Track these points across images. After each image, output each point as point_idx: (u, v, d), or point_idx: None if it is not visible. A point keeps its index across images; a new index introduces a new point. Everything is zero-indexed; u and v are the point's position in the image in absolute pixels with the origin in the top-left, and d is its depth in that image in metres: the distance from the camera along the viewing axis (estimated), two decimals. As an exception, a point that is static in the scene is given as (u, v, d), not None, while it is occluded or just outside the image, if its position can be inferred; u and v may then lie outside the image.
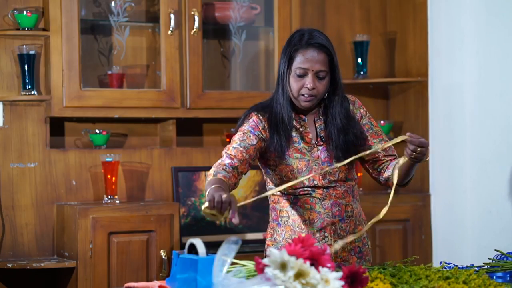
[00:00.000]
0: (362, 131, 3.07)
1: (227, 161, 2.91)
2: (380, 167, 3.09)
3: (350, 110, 3.07)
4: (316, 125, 3.05)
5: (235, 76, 4.94)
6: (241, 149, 2.94)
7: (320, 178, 3.00)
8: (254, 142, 2.97)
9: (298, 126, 3.03)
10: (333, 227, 3.01)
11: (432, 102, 5.04)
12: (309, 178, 2.99)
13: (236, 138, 2.99)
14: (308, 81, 2.94)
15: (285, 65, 2.97)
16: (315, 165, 3.01)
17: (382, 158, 3.08)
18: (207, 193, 2.69)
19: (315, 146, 3.02)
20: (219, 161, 2.93)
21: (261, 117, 3.01)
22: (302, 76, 2.95)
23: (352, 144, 3.01)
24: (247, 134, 2.98)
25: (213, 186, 2.71)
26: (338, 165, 2.88)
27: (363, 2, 5.21)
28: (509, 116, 4.62)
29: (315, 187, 3.01)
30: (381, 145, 2.97)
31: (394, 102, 5.29)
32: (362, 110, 3.10)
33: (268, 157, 3.04)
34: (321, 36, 2.98)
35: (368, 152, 2.91)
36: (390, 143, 2.86)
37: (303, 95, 2.96)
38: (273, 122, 3.00)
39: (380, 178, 3.09)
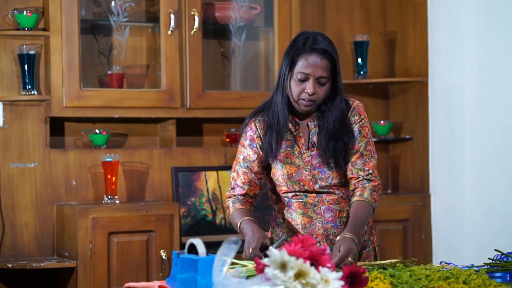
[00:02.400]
0: (353, 138, 2.99)
1: (237, 189, 3.03)
2: (352, 187, 3.02)
3: (347, 116, 3.03)
4: (309, 130, 3.02)
5: (235, 76, 4.94)
6: (245, 169, 3.03)
7: (311, 183, 2.99)
8: (255, 157, 3.02)
9: (292, 130, 3.02)
10: (325, 233, 3.00)
11: (432, 102, 5.04)
12: (299, 183, 2.99)
13: (240, 155, 3.06)
14: (309, 86, 2.91)
15: (287, 68, 2.94)
16: (306, 171, 2.99)
17: (358, 180, 2.99)
18: (244, 230, 2.90)
19: (307, 151, 3.01)
20: (230, 188, 3.05)
21: (258, 124, 3.03)
22: (303, 80, 2.92)
23: (341, 150, 2.97)
24: (247, 150, 3.03)
25: (245, 218, 2.93)
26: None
27: (363, 2, 5.21)
28: (509, 116, 4.62)
29: (306, 191, 3.01)
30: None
31: (394, 102, 5.29)
32: (357, 117, 3.02)
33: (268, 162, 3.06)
34: (325, 41, 2.94)
35: None
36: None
37: (303, 99, 2.93)
38: (268, 124, 3.00)
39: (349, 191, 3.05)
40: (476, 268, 2.61)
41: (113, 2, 4.56)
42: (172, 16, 4.52)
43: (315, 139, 3.00)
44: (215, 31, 4.85)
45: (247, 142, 3.03)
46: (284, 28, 4.76)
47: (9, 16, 4.38)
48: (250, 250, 2.78)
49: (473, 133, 4.78)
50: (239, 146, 3.06)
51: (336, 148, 2.96)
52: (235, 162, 3.06)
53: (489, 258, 2.84)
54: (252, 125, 3.03)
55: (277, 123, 2.98)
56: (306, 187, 2.99)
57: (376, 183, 2.99)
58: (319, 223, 2.99)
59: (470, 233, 4.80)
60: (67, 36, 4.35)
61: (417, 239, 4.99)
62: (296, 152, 3.00)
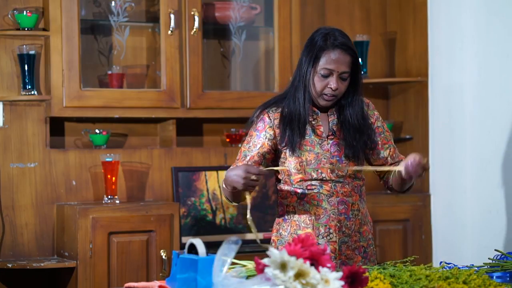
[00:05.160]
0: (375, 133, 3.14)
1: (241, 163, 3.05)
2: (385, 175, 3.19)
3: (365, 111, 3.13)
4: (329, 119, 3.10)
5: (235, 76, 4.94)
6: (251, 154, 3.06)
7: (329, 171, 3.05)
8: (258, 146, 3.06)
9: (310, 119, 3.09)
10: (338, 224, 3.05)
11: (432, 102, 5.04)
12: (317, 170, 3.02)
13: (246, 144, 3.10)
14: (332, 81, 3.01)
15: (309, 64, 3.02)
16: (324, 158, 3.06)
17: (389, 165, 3.15)
18: (230, 179, 2.87)
19: (326, 139, 3.07)
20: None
21: (271, 115, 3.08)
22: (326, 76, 3.01)
23: (364, 144, 3.09)
24: (253, 140, 3.08)
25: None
26: (353, 168, 3.05)
27: (363, 2, 5.21)
28: (509, 116, 4.62)
29: (323, 180, 3.04)
30: (380, 167, 3.12)
31: (394, 102, 5.29)
32: (376, 113, 3.18)
33: (279, 151, 3.09)
34: (344, 37, 3.04)
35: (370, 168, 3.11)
36: (386, 169, 3.09)
37: (326, 94, 3.02)
38: (288, 118, 3.05)
39: (385, 184, 3.22)
40: (476, 268, 2.61)
41: (113, 2, 4.56)
42: (172, 16, 4.52)
43: (335, 128, 3.09)
44: (215, 31, 4.85)
45: (255, 132, 3.09)
46: (284, 28, 4.76)
47: (9, 16, 4.38)
48: (253, 174, 2.81)
49: (473, 133, 4.78)
50: (247, 136, 3.11)
51: (361, 142, 3.08)
52: (239, 152, 3.11)
53: (489, 258, 2.84)
54: (266, 117, 3.08)
55: (298, 119, 3.04)
56: (323, 175, 3.05)
57: None
58: (333, 214, 3.04)
59: (470, 233, 4.80)
60: (67, 36, 4.35)
61: (417, 239, 4.99)
62: (314, 140, 3.07)
